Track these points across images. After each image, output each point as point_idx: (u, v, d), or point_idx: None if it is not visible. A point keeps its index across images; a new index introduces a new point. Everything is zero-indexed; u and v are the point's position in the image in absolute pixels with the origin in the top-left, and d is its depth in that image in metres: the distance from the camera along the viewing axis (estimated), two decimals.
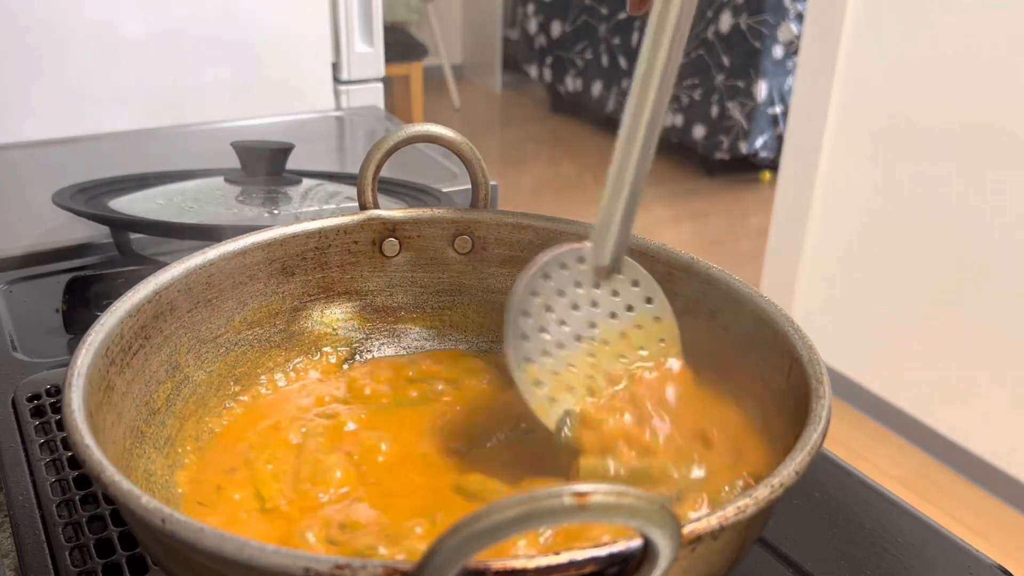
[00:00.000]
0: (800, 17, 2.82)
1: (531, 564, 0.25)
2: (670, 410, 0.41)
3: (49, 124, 1.08)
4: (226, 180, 0.76)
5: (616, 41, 3.38)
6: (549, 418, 0.42)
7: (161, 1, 1.10)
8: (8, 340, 0.62)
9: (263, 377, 0.49)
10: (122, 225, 0.70)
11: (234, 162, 0.76)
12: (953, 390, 1.75)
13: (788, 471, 0.30)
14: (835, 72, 1.81)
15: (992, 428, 1.71)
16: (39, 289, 0.70)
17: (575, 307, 0.44)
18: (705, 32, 3.01)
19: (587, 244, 0.43)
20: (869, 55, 1.76)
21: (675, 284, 0.46)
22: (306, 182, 0.77)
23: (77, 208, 0.68)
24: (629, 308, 0.44)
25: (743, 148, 3.02)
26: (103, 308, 0.40)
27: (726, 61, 2.98)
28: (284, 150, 0.76)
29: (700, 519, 0.27)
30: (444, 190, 0.80)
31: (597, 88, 3.51)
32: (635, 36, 3.28)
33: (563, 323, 0.43)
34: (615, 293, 0.44)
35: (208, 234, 0.60)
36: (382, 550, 0.35)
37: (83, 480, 0.47)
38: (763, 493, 0.29)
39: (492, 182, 0.66)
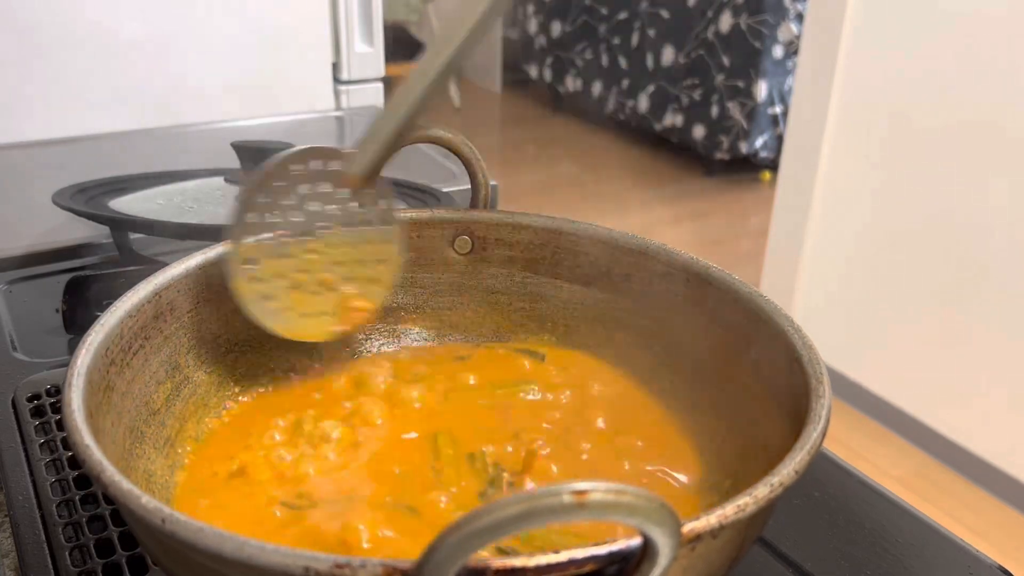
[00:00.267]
0: (800, 17, 2.82)
1: (531, 563, 0.25)
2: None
3: (49, 124, 1.08)
4: (226, 180, 0.75)
5: (616, 41, 3.38)
6: (246, 298, 0.43)
7: (161, 1, 1.10)
8: (8, 340, 0.62)
9: (263, 377, 0.49)
10: (122, 225, 0.70)
11: (234, 162, 0.76)
12: (953, 390, 1.75)
13: (788, 470, 0.30)
14: (835, 72, 1.81)
15: (992, 428, 1.71)
16: (39, 289, 0.70)
17: (315, 203, 0.45)
18: (705, 32, 3.01)
19: (351, 151, 0.44)
20: (869, 55, 1.76)
21: (675, 284, 0.46)
22: None
23: (77, 208, 0.68)
24: (366, 222, 0.46)
25: (743, 148, 3.02)
26: (103, 308, 0.40)
27: (726, 61, 2.98)
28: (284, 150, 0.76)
29: (700, 518, 0.27)
30: (444, 190, 0.80)
31: (597, 88, 3.51)
32: (635, 36, 3.28)
33: (296, 214, 0.45)
34: (360, 205, 0.46)
35: (208, 234, 0.60)
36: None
37: (83, 480, 0.47)
38: (762, 492, 0.29)
39: (492, 182, 0.66)
